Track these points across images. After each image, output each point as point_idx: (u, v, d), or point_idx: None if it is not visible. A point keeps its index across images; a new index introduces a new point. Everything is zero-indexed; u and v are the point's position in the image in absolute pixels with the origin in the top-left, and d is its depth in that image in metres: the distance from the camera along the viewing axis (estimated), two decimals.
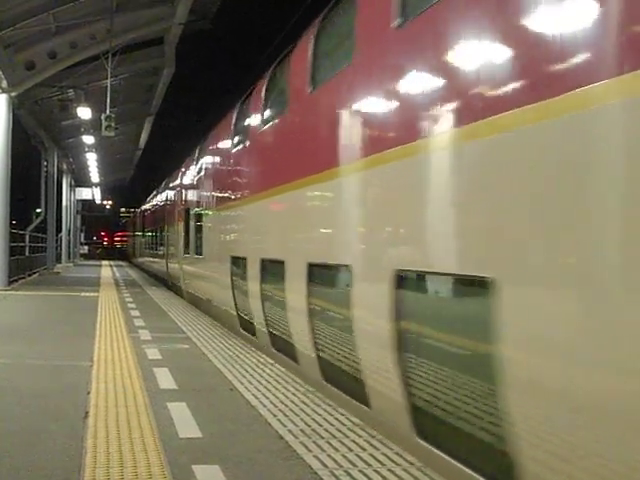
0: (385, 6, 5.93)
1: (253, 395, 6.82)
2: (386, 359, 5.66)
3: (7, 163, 20.30)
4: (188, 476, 4.50)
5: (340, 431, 5.57)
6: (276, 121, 9.91)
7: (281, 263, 8.70)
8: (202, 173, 16.69)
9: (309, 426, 5.71)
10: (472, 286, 4.76)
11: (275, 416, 6.02)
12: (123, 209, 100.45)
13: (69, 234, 46.84)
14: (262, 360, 8.84)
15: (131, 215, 70.58)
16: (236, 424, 5.79)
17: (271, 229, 10.04)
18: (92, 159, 38.32)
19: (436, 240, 5.25)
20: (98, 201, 60.81)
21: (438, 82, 5.24)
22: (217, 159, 14.93)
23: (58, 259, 39.91)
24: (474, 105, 4.66)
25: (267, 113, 10.44)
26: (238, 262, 11.71)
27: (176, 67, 24.31)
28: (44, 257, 33.62)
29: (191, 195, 18.78)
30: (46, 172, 33.55)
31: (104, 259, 62.06)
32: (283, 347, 9.05)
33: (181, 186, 20.97)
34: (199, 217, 16.71)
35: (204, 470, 4.60)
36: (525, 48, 4.20)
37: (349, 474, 4.55)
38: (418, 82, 5.58)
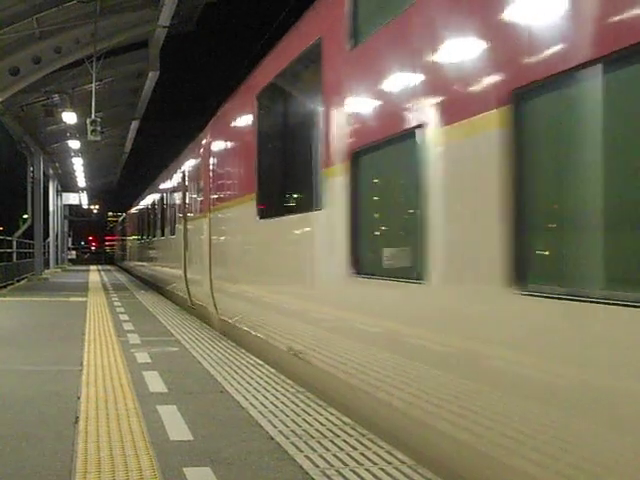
0: None
1: (243, 397, 6.82)
2: None
3: None
4: (179, 479, 4.51)
5: (331, 431, 5.59)
6: None
7: None
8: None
9: (300, 426, 5.73)
10: None
11: (265, 417, 6.03)
12: (110, 213, 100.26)
13: (57, 239, 46.63)
14: (252, 362, 8.85)
15: (118, 220, 70.51)
16: (227, 426, 5.80)
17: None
18: (78, 164, 38.17)
19: None
20: (85, 206, 60.62)
21: None
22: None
23: (46, 265, 39.72)
24: None
25: None
26: None
27: (161, 70, 24.25)
28: (32, 263, 33.44)
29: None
30: (32, 178, 33.37)
31: (92, 264, 61.82)
32: None
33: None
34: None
35: (195, 472, 4.61)
36: None
37: (341, 474, 4.56)
38: None
